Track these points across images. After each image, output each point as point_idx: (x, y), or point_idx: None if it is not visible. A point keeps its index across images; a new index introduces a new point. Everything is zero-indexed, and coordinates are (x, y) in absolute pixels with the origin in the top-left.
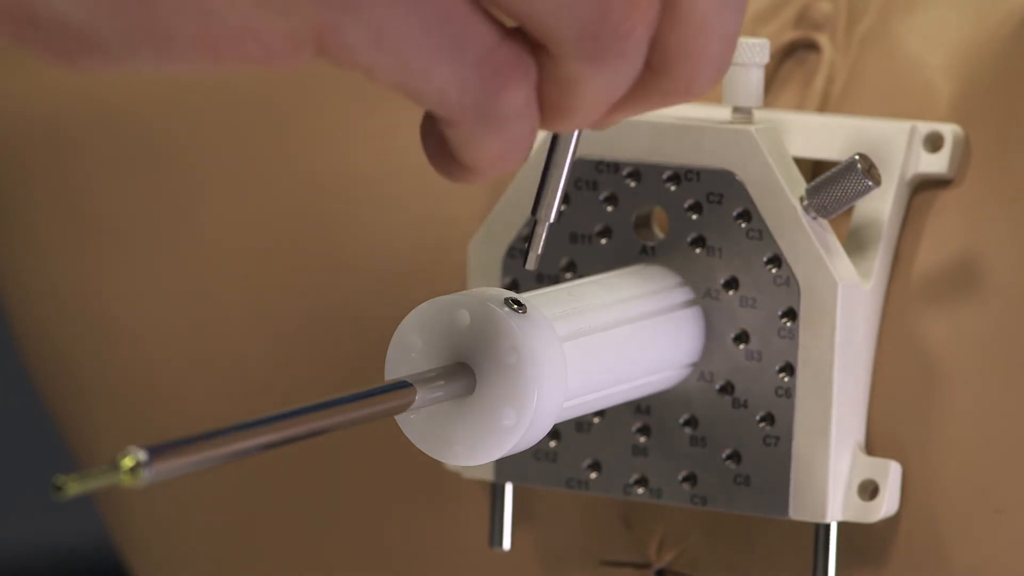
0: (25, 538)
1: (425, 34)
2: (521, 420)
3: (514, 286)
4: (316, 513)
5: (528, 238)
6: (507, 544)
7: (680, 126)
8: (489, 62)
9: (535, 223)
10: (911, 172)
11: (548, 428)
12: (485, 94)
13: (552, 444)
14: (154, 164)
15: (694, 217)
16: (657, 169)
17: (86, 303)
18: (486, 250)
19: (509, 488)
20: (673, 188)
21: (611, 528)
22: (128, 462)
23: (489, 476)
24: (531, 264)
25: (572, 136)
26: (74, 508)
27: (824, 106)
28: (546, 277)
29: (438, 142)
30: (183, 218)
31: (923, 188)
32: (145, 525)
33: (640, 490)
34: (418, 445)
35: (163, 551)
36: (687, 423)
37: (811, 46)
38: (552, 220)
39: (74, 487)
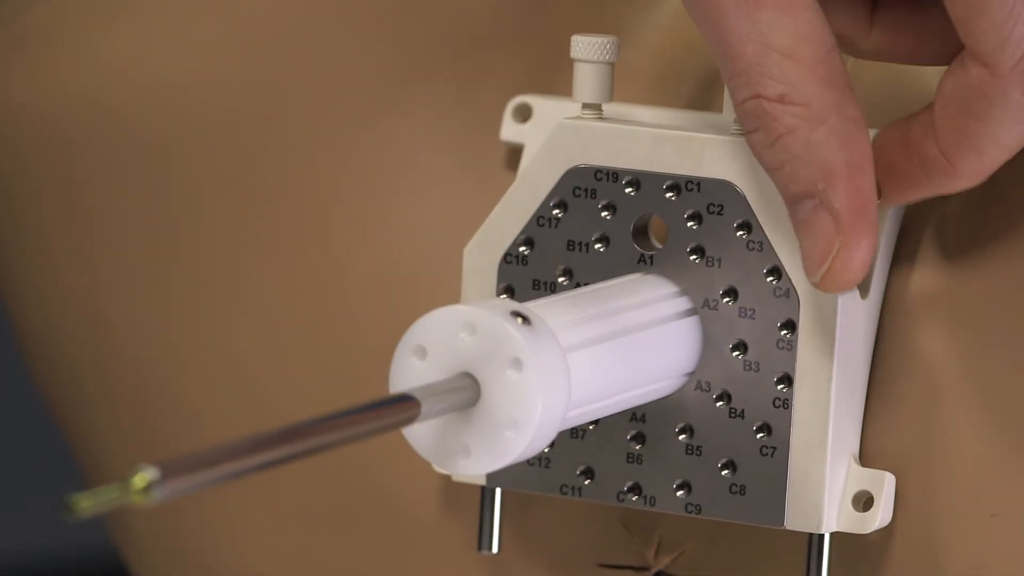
0: (25, 539)
1: None
2: (526, 431)
3: (509, 292)
4: (315, 513)
5: None
6: (495, 548)
7: (682, 136)
8: None
9: None
10: None
11: (551, 439)
12: None
13: (545, 450)
14: (155, 166)
15: (694, 227)
16: (657, 178)
17: (88, 305)
18: (481, 256)
19: (498, 492)
20: (673, 198)
21: (610, 531)
22: (139, 481)
23: (481, 480)
24: None
25: None
26: None
27: None
28: (542, 284)
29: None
30: (184, 220)
31: (921, 200)
32: (145, 525)
33: (634, 497)
34: (422, 455)
35: (163, 551)
36: (683, 431)
37: None
38: None
39: (86, 506)
